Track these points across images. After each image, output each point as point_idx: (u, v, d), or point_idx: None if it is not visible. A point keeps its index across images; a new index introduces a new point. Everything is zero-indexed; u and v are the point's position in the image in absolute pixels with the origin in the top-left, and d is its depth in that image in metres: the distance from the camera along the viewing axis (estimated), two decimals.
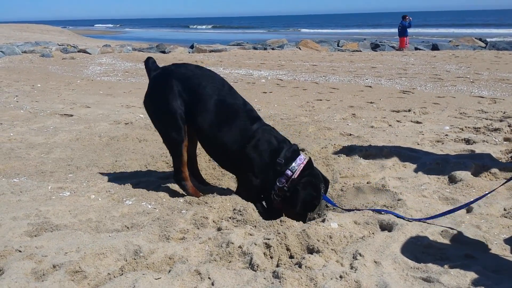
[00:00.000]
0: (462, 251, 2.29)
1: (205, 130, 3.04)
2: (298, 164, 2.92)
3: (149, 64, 3.26)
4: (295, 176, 2.89)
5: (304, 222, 2.92)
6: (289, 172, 2.90)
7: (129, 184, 3.40)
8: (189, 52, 19.36)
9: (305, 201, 2.88)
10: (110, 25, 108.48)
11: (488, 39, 25.33)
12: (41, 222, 2.69)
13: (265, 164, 2.96)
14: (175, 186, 3.34)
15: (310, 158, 3.02)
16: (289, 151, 2.97)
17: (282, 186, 2.90)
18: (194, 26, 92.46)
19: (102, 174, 3.70)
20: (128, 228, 2.66)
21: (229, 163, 3.17)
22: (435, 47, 21.38)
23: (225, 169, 3.40)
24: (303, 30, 66.18)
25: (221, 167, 3.57)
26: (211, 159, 3.45)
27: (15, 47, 17.42)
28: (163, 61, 15.35)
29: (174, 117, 3.03)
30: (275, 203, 3.00)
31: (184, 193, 3.23)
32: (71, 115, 6.23)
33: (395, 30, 23.23)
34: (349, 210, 2.94)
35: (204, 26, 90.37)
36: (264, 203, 3.16)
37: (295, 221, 2.71)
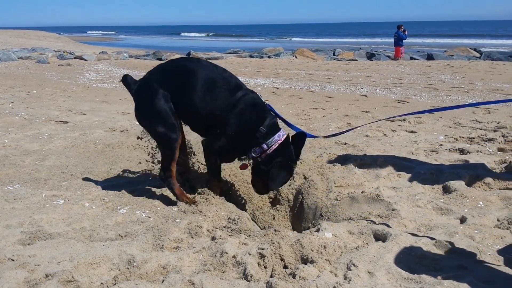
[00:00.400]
0: (455, 262, 2.30)
1: (190, 105, 3.10)
2: (275, 141, 3.04)
3: (128, 80, 3.30)
4: (270, 151, 3.03)
5: (266, 193, 3.43)
6: (265, 146, 3.04)
7: (123, 192, 3.38)
8: None
9: (275, 180, 3.08)
10: (103, 32, 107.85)
11: (482, 49, 25.57)
12: (34, 230, 2.67)
13: (245, 131, 3.08)
14: (170, 194, 3.33)
15: (288, 136, 3.12)
16: (271, 123, 3.10)
17: (257, 156, 3.07)
18: (185, 34, 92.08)
19: (97, 182, 3.69)
20: (122, 237, 2.65)
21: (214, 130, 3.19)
22: (430, 57, 21.58)
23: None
24: (295, 39, 66.15)
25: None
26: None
27: (11, 53, 17.42)
28: None
29: (167, 118, 3.09)
30: (243, 163, 3.28)
31: (174, 198, 3.24)
32: (67, 122, 6.22)
33: (391, 40, 23.38)
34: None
35: (197, 34, 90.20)
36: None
37: (288, 231, 2.71)
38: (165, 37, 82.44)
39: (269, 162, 3.03)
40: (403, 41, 21.15)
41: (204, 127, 3.23)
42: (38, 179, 3.74)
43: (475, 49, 25.63)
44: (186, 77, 3.11)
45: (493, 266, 2.28)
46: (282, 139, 3.06)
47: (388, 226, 2.75)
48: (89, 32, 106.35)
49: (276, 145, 3.04)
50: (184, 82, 3.10)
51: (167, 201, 3.26)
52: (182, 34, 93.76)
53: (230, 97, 3.08)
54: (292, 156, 3.11)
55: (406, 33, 21.16)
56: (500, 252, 2.42)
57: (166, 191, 3.38)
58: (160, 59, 19.22)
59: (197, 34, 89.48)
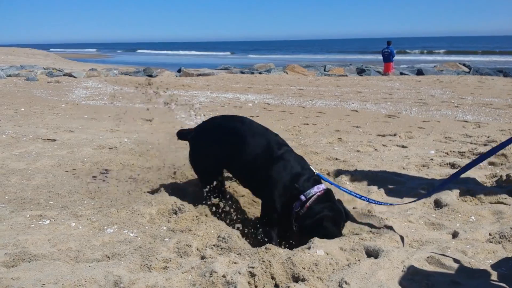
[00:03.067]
0: (448, 278, 2.27)
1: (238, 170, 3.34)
2: (315, 192, 2.90)
3: (182, 134, 3.68)
4: (310, 203, 2.86)
5: None
6: (303, 197, 2.89)
7: (110, 211, 3.32)
8: (176, 76, 19.41)
9: (316, 233, 2.77)
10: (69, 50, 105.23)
11: (471, 65, 25.87)
12: (19, 252, 2.60)
13: (283, 187, 2.96)
14: (158, 213, 3.27)
15: (329, 189, 2.97)
16: (309, 179, 2.97)
17: (298, 210, 2.89)
18: (143, 51, 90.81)
19: (83, 201, 3.61)
20: (108, 257, 2.58)
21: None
22: (419, 72, 21.78)
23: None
24: (284, 56, 66.26)
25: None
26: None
27: (0, 71, 17.30)
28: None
29: (209, 173, 3.39)
30: (294, 229, 2.95)
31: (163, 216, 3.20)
32: (54, 140, 6.13)
33: (380, 56, 23.60)
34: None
35: (187, 52, 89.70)
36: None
37: (278, 248, 2.66)
38: (153, 53, 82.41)
39: (310, 215, 2.85)
40: (393, 56, 21.38)
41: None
42: (23, 198, 3.66)
43: (464, 64, 25.92)
44: (235, 139, 3.23)
45: (486, 281, 2.24)
46: (323, 192, 2.92)
47: (380, 242, 2.72)
48: (51, 49, 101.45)
49: (316, 197, 2.89)
50: (234, 144, 3.23)
51: (155, 220, 3.20)
52: (139, 51, 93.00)
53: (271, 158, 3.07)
54: (337, 210, 2.88)
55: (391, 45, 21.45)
56: (492, 266, 2.40)
57: (155, 210, 3.31)
58: (150, 76, 19.19)
59: (188, 52, 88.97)
